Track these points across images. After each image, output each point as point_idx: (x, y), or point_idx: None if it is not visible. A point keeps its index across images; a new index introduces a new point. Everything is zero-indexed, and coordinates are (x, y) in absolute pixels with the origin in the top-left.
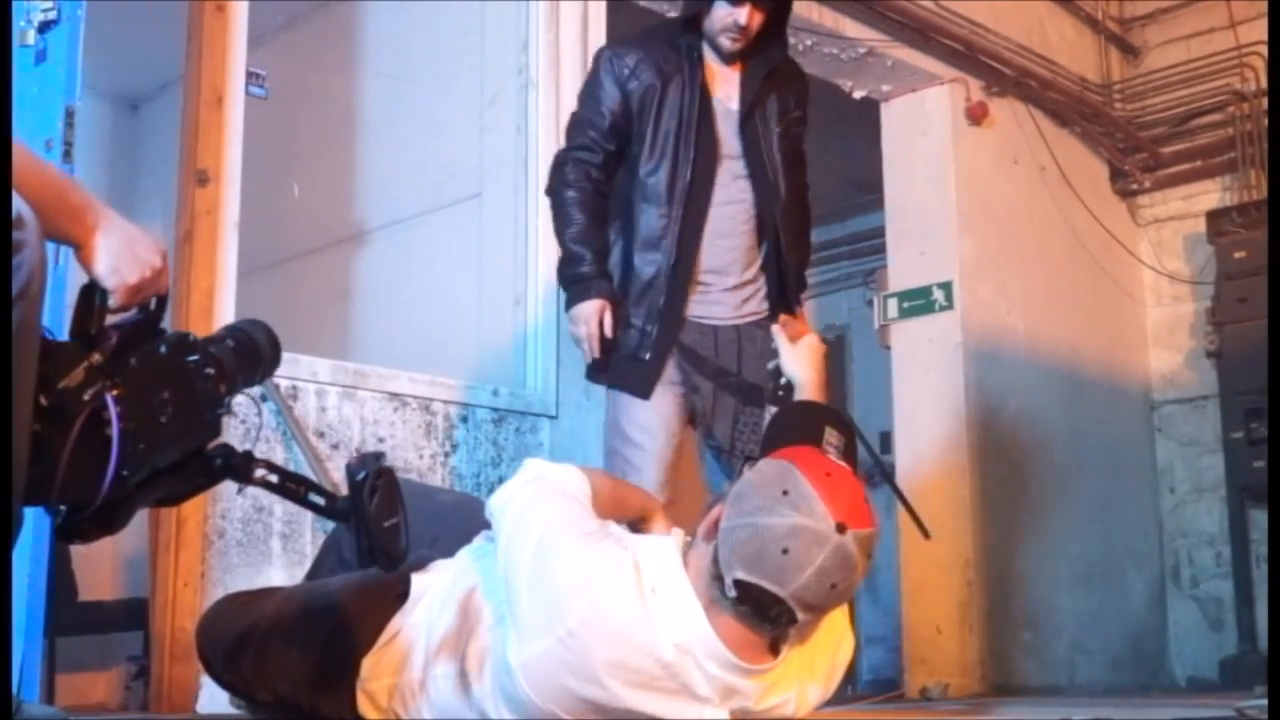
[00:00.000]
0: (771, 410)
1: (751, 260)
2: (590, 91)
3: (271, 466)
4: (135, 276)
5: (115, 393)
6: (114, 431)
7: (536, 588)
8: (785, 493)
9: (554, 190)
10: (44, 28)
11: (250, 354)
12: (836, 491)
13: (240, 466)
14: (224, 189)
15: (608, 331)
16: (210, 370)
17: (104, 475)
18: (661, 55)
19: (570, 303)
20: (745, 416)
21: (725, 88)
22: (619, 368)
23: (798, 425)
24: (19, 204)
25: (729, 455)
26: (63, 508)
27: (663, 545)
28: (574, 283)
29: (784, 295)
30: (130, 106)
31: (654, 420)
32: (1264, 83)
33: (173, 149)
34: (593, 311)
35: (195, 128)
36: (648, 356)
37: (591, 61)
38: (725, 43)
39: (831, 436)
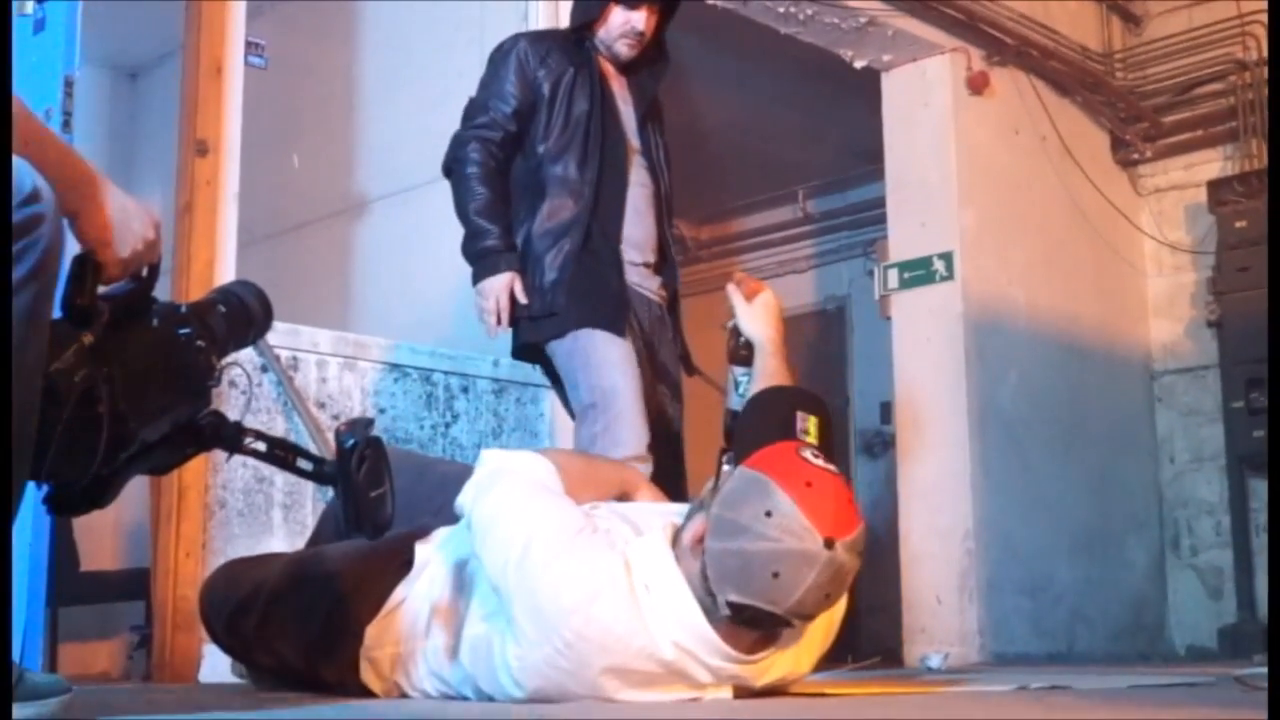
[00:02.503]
0: (733, 369)
1: (655, 245)
2: (497, 76)
3: (259, 434)
4: (128, 249)
5: (106, 372)
6: (105, 412)
7: (528, 599)
8: (768, 514)
9: (454, 166)
10: None
11: (241, 317)
12: (819, 503)
13: (230, 436)
14: (224, 159)
15: (520, 298)
16: (201, 342)
17: (94, 453)
18: (570, 50)
19: (478, 277)
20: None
21: (621, 91)
22: (580, 307)
23: (769, 417)
24: (37, 178)
25: None
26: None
27: (653, 543)
28: (480, 257)
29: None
30: (129, 76)
31: (629, 357)
32: (1265, 51)
33: (172, 119)
34: (503, 285)
35: (195, 98)
36: (613, 289)
37: (499, 50)
38: (622, 49)
39: (805, 422)
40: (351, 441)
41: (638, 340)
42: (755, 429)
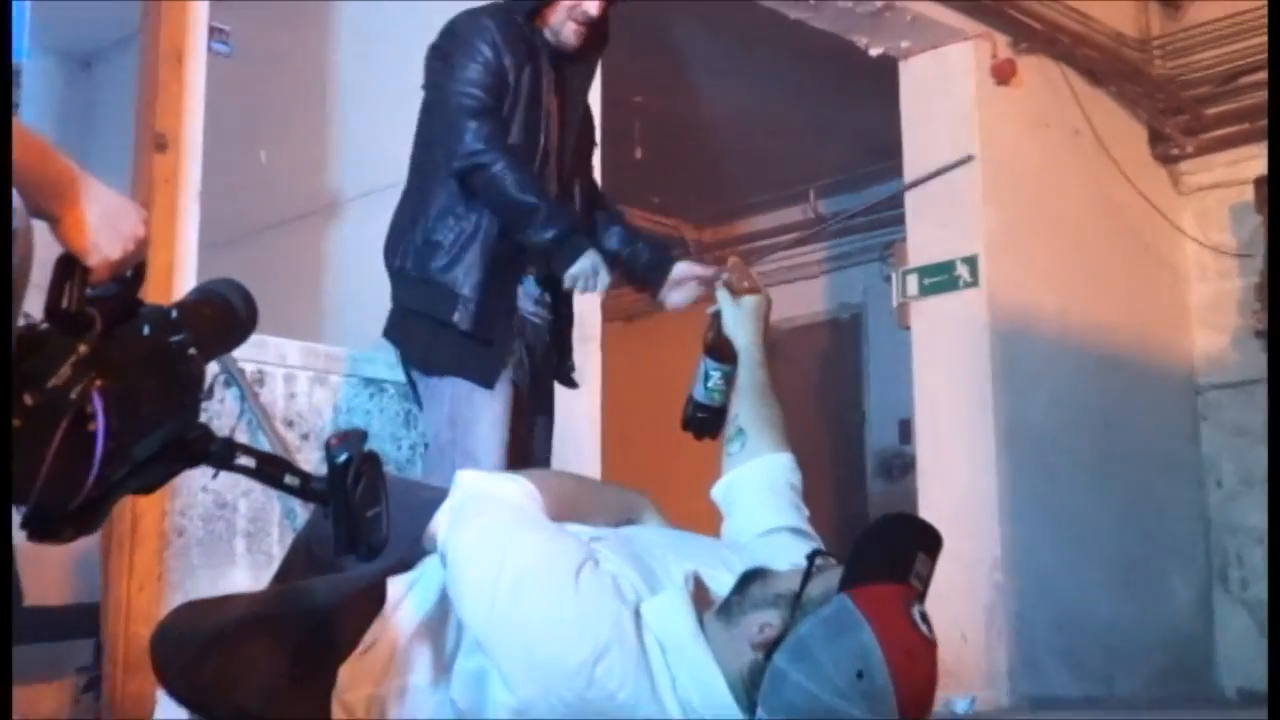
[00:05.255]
0: (705, 359)
1: None
2: (475, 60)
3: (248, 450)
4: (118, 251)
5: (100, 386)
6: (99, 430)
7: (518, 650)
8: (859, 675)
9: (475, 159)
10: None
11: (226, 319)
12: (913, 682)
13: (220, 452)
14: (184, 155)
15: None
16: (193, 350)
17: (86, 474)
18: (525, 39)
19: (563, 263)
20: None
21: (550, 89)
22: (465, 353)
23: (890, 550)
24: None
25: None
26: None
27: (673, 603)
28: (559, 243)
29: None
30: (82, 64)
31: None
32: None
33: (129, 111)
34: (592, 266)
35: (153, 87)
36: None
37: (462, 24)
38: (570, 36)
39: (922, 566)
40: (345, 456)
41: (521, 369)
42: (873, 555)
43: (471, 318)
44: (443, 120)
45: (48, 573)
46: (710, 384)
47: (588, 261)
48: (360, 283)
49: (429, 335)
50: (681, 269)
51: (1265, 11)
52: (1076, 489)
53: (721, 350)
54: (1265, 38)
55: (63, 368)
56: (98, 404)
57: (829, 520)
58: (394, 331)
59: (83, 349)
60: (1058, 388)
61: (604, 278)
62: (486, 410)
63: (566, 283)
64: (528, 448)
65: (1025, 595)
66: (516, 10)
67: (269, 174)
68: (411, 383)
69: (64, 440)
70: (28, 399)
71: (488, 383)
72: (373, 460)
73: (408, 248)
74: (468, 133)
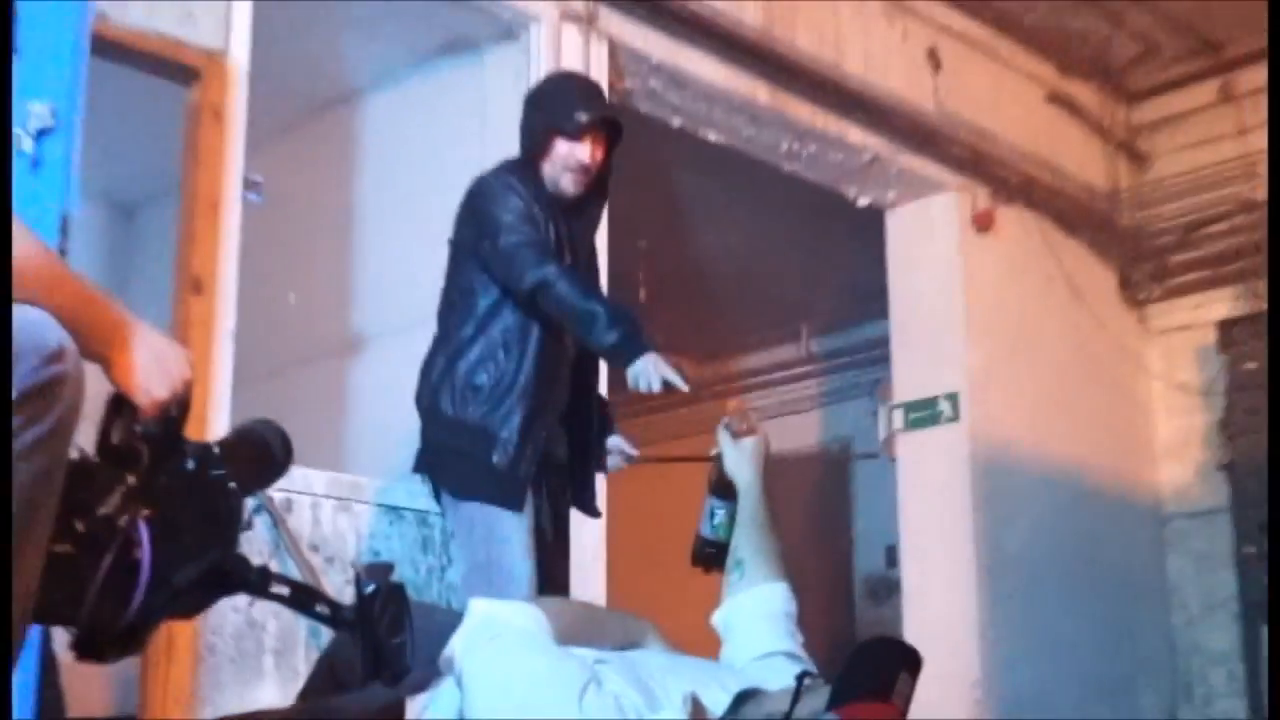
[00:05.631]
0: (710, 499)
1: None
2: (513, 205)
3: (282, 579)
4: (165, 392)
5: (146, 516)
6: (144, 558)
7: None
8: None
9: (526, 276)
10: (39, 134)
11: (264, 457)
12: None
13: (256, 581)
14: (219, 297)
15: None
16: (233, 484)
17: (130, 599)
18: (543, 192)
19: (629, 358)
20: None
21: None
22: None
23: (874, 669)
24: (62, 336)
25: None
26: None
27: None
28: (622, 343)
29: None
30: (126, 212)
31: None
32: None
33: (168, 256)
34: (655, 364)
35: (191, 235)
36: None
37: (489, 182)
38: (568, 184)
39: (904, 685)
40: (373, 587)
41: (540, 497)
42: (858, 675)
43: (510, 459)
44: (495, 261)
45: (91, 686)
46: (716, 521)
47: (646, 362)
48: (381, 415)
49: (465, 467)
50: (613, 441)
51: (1226, 168)
52: (1053, 612)
53: (725, 489)
54: (1225, 191)
55: (112, 497)
56: (143, 533)
57: (819, 639)
58: (426, 467)
59: (131, 480)
60: (1035, 517)
61: (666, 374)
62: (517, 532)
63: (629, 381)
64: (553, 567)
65: (1004, 712)
66: (522, 159)
67: (297, 314)
68: (442, 509)
69: (111, 567)
70: (79, 525)
71: (518, 508)
72: (398, 592)
73: (444, 390)
74: (527, 260)
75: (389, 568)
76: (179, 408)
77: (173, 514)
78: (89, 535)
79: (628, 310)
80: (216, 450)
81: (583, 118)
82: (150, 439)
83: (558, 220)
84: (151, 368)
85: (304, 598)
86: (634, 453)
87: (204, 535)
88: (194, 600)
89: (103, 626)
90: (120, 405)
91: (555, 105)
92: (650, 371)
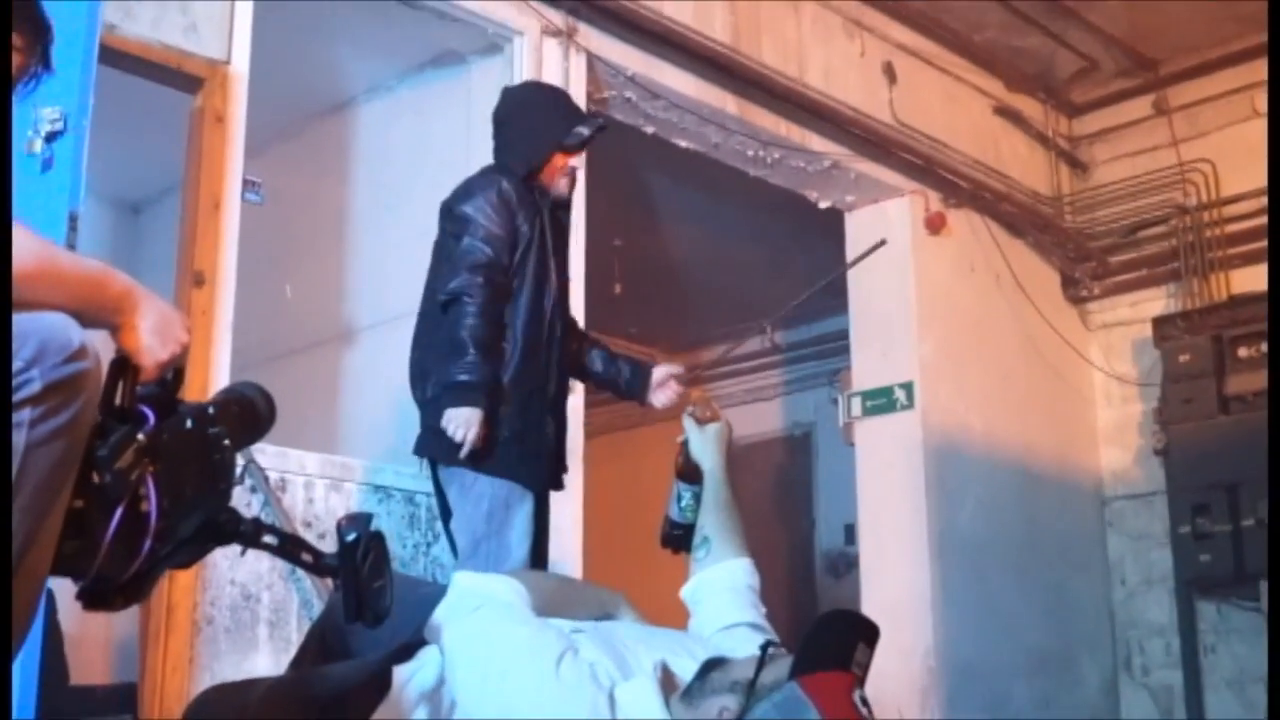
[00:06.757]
0: (678, 483)
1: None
2: (490, 217)
3: (271, 529)
4: (167, 353)
5: (153, 471)
6: (151, 510)
7: None
8: None
9: (459, 294)
10: (50, 137)
11: (252, 416)
12: None
13: (248, 531)
14: (219, 290)
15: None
16: (228, 441)
17: (138, 550)
18: (530, 195)
19: (447, 403)
20: None
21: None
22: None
23: (834, 641)
24: (83, 335)
25: None
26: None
27: (643, 688)
28: (454, 387)
29: None
30: (132, 211)
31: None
32: (1205, 197)
33: (171, 251)
34: (471, 419)
35: (193, 231)
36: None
37: (476, 185)
38: (564, 188)
39: (862, 655)
40: (354, 535)
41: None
42: (819, 646)
43: (514, 430)
44: (451, 265)
45: (93, 655)
46: (683, 504)
47: (471, 413)
48: (372, 400)
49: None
50: (659, 372)
51: (1161, 175)
52: (1000, 586)
53: (690, 473)
54: (1160, 197)
55: (126, 453)
56: (150, 487)
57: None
58: (426, 447)
59: (140, 438)
60: (983, 498)
61: (472, 434)
62: (521, 510)
63: (443, 418)
64: (542, 545)
65: (955, 679)
66: (519, 171)
67: (293, 305)
68: (438, 487)
69: (122, 519)
70: (95, 478)
71: (534, 487)
72: (378, 539)
73: (438, 378)
74: (465, 278)
75: (369, 517)
76: (175, 371)
77: (175, 469)
78: (101, 489)
79: (491, 368)
80: (211, 410)
81: (585, 132)
82: (151, 400)
83: (543, 218)
84: (155, 332)
85: (291, 547)
86: (678, 369)
87: (202, 488)
88: (192, 551)
89: (113, 576)
90: (122, 368)
91: (553, 121)
92: (464, 423)
